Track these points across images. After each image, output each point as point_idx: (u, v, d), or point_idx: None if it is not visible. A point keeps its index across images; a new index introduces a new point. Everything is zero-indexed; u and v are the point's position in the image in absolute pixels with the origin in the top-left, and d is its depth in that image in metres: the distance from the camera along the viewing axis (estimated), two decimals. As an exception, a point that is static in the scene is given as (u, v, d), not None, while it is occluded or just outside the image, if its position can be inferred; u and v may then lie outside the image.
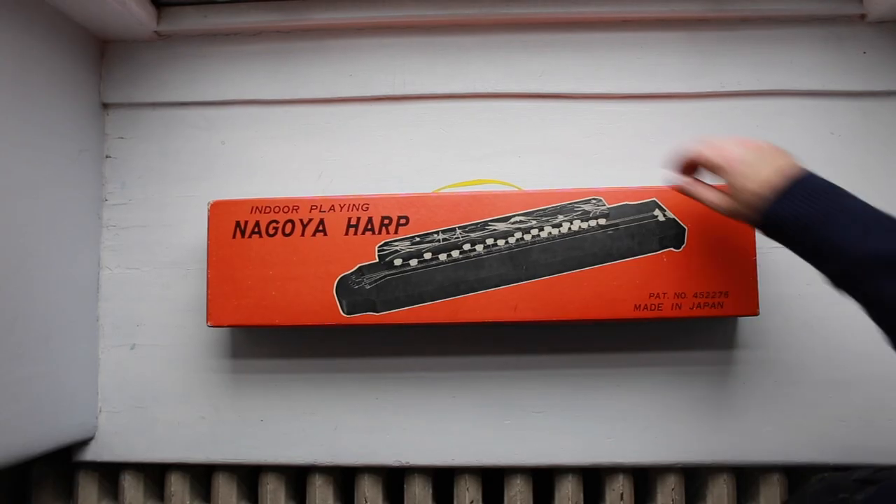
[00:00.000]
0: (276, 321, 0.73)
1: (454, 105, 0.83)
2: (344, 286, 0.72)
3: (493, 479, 0.83)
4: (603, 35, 0.82)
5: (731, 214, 0.61)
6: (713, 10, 0.81)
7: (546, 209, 0.72)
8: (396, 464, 0.80)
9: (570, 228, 0.72)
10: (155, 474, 0.85)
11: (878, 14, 0.78)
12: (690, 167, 0.67)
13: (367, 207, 0.73)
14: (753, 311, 0.71)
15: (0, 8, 0.67)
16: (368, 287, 0.72)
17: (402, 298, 0.72)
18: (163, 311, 0.82)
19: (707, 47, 0.81)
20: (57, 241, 0.75)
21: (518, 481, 0.80)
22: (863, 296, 0.52)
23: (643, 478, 0.82)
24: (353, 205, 0.73)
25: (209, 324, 0.73)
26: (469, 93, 0.82)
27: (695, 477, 0.81)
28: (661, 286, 0.71)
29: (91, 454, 0.82)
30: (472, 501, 0.80)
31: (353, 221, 0.73)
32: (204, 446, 0.81)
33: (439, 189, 0.82)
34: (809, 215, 0.55)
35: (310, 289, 0.73)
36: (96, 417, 0.82)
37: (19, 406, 0.69)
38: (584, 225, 0.72)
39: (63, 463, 0.83)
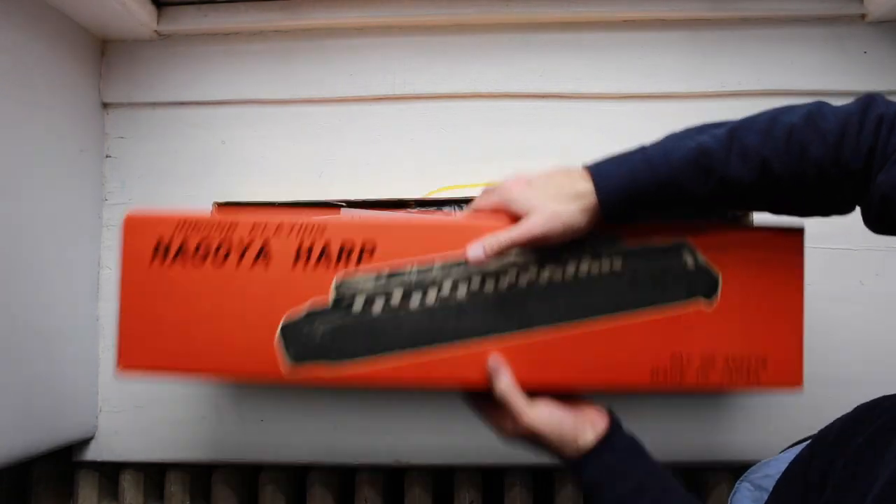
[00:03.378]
0: (202, 369, 0.57)
1: (454, 105, 0.83)
2: (290, 332, 0.56)
3: (493, 479, 0.83)
4: (603, 35, 0.82)
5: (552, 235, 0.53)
6: (713, 10, 0.80)
7: None
8: (396, 464, 0.80)
9: (577, 271, 0.57)
10: (155, 474, 0.85)
11: (878, 14, 0.78)
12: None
13: (324, 230, 0.56)
14: (796, 383, 0.59)
15: (0, 8, 0.67)
16: (321, 335, 0.56)
17: (363, 349, 0.56)
18: (163, 310, 0.82)
19: (707, 47, 0.81)
20: (57, 241, 0.75)
21: (518, 482, 0.80)
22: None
23: (643, 478, 0.82)
24: (306, 227, 0.56)
25: (119, 368, 0.56)
26: (469, 93, 0.82)
27: (695, 477, 0.81)
28: (687, 346, 0.57)
29: (91, 454, 0.82)
30: (471, 502, 0.80)
31: (305, 249, 0.56)
32: (204, 446, 0.81)
33: (439, 190, 0.82)
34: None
35: (245, 333, 0.56)
36: (96, 417, 0.82)
37: (19, 406, 0.69)
38: (596, 267, 0.57)
39: (63, 463, 0.83)
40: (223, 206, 0.76)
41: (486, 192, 0.59)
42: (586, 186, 0.53)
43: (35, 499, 0.82)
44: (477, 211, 0.59)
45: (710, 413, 0.78)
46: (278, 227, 0.57)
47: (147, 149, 0.84)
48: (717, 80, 0.81)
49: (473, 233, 0.56)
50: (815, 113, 0.49)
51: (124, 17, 0.78)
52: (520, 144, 0.82)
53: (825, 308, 0.78)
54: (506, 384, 0.54)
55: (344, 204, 0.75)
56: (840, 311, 0.79)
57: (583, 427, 0.55)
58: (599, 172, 0.54)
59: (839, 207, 0.52)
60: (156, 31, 0.83)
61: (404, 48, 0.83)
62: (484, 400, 0.57)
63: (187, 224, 0.57)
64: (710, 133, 0.52)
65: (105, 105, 0.85)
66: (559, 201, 0.53)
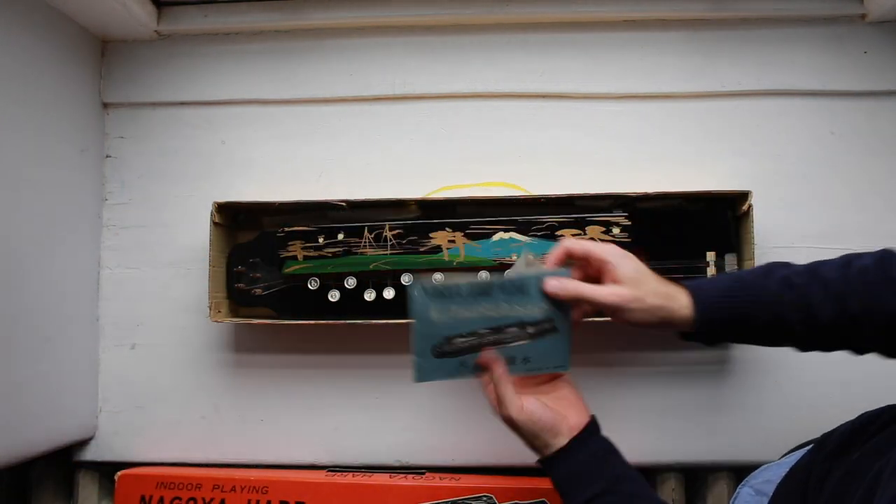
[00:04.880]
0: None
1: (454, 105, 0.83)
2: None
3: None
4: (603, 35, 0.82)
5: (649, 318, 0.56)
6: (713, 10, 0.80)
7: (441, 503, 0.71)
8: (396, 464, 0.80)
9: None
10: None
11: (878, 14, 0.78)
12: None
13: (266, 490, 0.72)
14: None
15: (0, 8, 0.67)
16: None
17: None
18: (163, 311, 0.82)
19: (707, 47, 0.81)
20: (57, 240, 0.75)
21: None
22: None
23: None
24: (253, 486, 0.72)
25: None
26: (469, 93, 0.82)
27: (695, 477, 0.81)
28: None
29: (91, 454, 0.82)
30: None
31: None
32: (204, 446, 0.81)
33: (438, 190, 0.82)
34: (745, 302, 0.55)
35: None
36: (96, 417, 0.82)
37: (19, 406, 0.69)
38: None
39: (63, 463, 0.83)
40: (224, 205, 0.76)
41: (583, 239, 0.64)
42: (681, 296, 0.56)
43: (35, 499, 0.82)
44: (569, 249, 0.60)
45: (711, 414, 0.78)
46: (233, 486, 0.73)
47: (147, 149, 0.84)
48: (717, 80, 0.81)
49: (400, 493, 0.71)
50: (886, 259, 0.52)
51: (124, 17, 0.78)
52: (520, 144, 0.82)
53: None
54: (499, 374, 0.59)
55: (344, 204, 0.75)
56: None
57: (559, 427, 0.57)
58: (696, 286, 0.57)
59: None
60: (156, 31, 0.83)
61: (404, 48, 0.83)
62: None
63: (164, 482, 0.74)
64: (791, 267, 0.55)
65: (105, 105, 0.85)
66: (656, 294, 0.56)
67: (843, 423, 0.57)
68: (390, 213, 0.77)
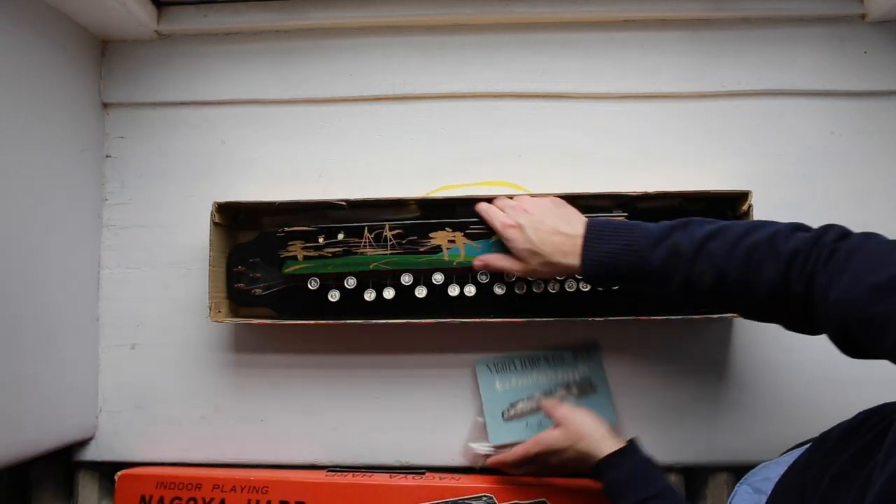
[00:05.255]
0: None
1: (454, 105, 0.83)
2: None
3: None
4: (603, 35, 0.82)
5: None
6: (713, 10, 0.80)
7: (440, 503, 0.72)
8: (396, 464, 0.80)
9: None
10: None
11: (878, 14, 0.78)
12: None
13: (266, 490, 0.73)
14: None
15: (0, 8, 0.67)
16: None
17: None
18: (163, 311, 0.82)
19: (707, 47, 0.81)
20: (57, 240, 0.75)
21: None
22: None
23: (643, 478, 0.82)
24: (253, 486, 0.73)
25: None
26: (469, 93, 0.82)
27: (695, 477, 0.81)
28: None
29: (91, 454, 0.82)
30: None
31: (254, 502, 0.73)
32: (204, 446, 0.81)
33: (438, 189, 0.82)
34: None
35: None
36: (96, 417, 0.82)
37: (19, 406, 0.69)
38: None
39: (63, 463, 0.83)
40: (224, 205, 0.76)
41: (497, 201, 0.73)
42: (573, 262, 0.63)
43: (35, 499, 0.82)
44: (489, 220, 0.72)
45: (711, 414, 0.78)
46: (233, 486, 0.73)
47: (147, 149, 0.84)
48: (717, 80, 0.81)
49: (400, 493, 0.72)
50: (780, 235, 0.54)
51: (124, 17, 0.78)
52: (520, 144, 0.82)
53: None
54: (547, 401, 0.74)
55: (344, 204, 0.75)
56: (840, 311, 0.79)
57: (611, 434, 0.67)
58: (588, 244, 0.63)
59: (796, 326, 0.56)
60: (156, 31, 0.83)
61: (404, 48, 0.83)
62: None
63: (164, 482, 0.75)
64: (691, 234, 0.58)
65: (105, 105, 0.85)
66: (543, 265, 0.65)
67: (841, 421, 0.57)
68: (390, 213, 0.77)
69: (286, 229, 0.76)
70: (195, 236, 0.82)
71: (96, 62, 0.84)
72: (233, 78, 0.84)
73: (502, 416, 0.77)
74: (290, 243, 0.76)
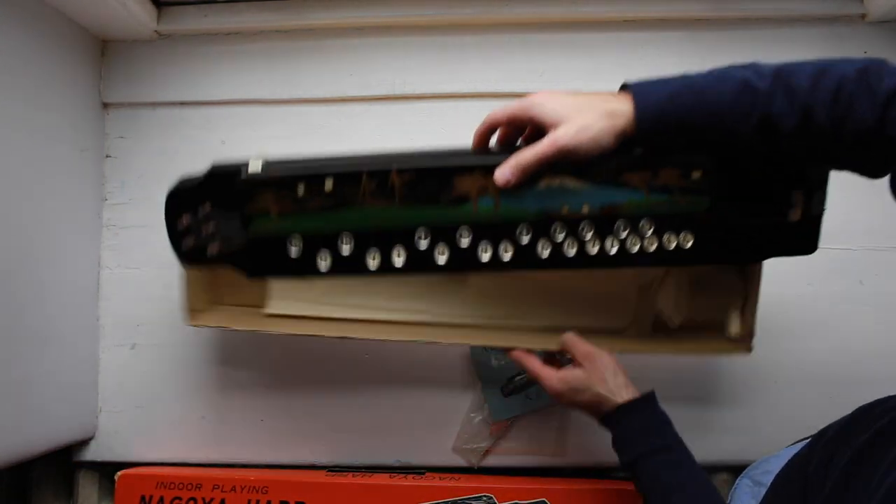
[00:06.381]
0: None
1: (454, 105, 0.83)
2: None
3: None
4: (603, 35, 0.82)
5: None
6: (713, 10, 0.80)
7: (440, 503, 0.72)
8: (396, 464, 0.80)
9: None
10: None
11: (878, 14, 0.78)
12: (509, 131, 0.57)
13: (266, 490, 0.73)
14: None
15: (0, 8, 0.67)
16: None
17: None
18: (163, 311, 0.82)
19: (707, 47, 0.81)
20: (57, 241, 0.75)
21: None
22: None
23: (643, 478, 0.82)
24: (253, 486, 0.73)
25: None
26: (469, 93, 0.82)
27: (695, 477, 0.81)
28: None
29: (91, 454, 0.82)
30: None
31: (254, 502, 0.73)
32: (204, 446, 0.81)
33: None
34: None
35: None
36: (96, 417, 0.82)
37: (19, 406, 0.69)
38: None
39: (63, 463, 0.83)
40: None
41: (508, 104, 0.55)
42: (623, 106, 0.51)
43: (35, 499, 0.82)
44: (494, 121, 0.56)
45: (711, 413, 0.78)
46: (233, 486, 0.73)
47: (147, 149, 0.84)
48: (717, 80, 0.81)
49: (400, 493, 0.71)
50: (871, 70, 0.47)
51: (124, 17, 0.78)
52: (519, 144, 0.82)
53: (825, 308, 0.78)
54: (530, 365, 0.64)
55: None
56: (840, 311, 0.79)
57: (597, 378, 0.62)
58: (640, 91, 0.51)
59: (874, 169, 0.51)
60: (156, 31, 0.83)
61: (404, 48, 0.83)
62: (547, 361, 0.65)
63: (164, 483, 0.74)
64: (759, 70, 0.50)
65: (105, 105, 0.84)
66: (592, 115, 0.50)
67: (840, 417, 0.57)
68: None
69: (251, 175, 0.55)
70: (195, 236, 0.82)
71: (96, 62, 0.84)
72: (233, 78, 0.84)
73: (502, 392, 0.77)
74: (257, 194, 0.55)
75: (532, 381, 0.72)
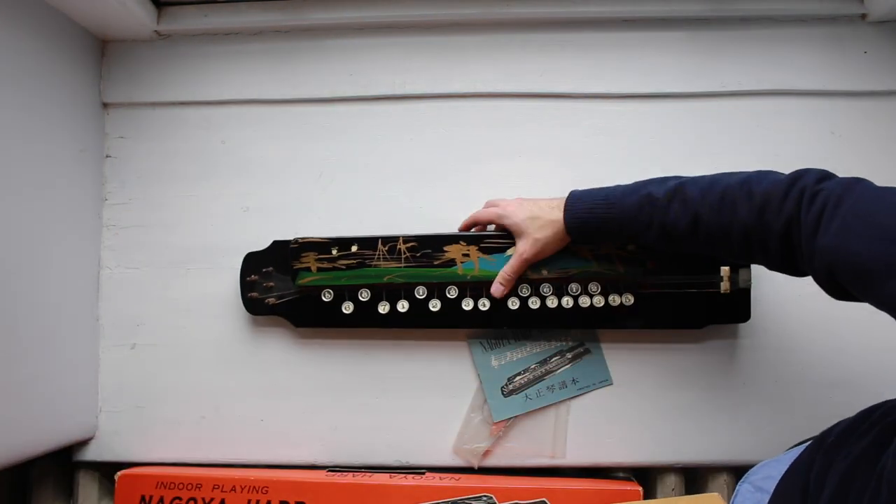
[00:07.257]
0: None
1: (454, 105, 0.83)
2: None
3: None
4: (603, 35, 0.82)
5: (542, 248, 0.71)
6: (713, 10, 0.80)
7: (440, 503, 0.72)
8: (396, 464, 0.80)
9: None
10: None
11: (879, 14, 0.78)
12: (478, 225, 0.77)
13: (266, 490, 0.73)
14: None
15: (0, 8, 0.67)
16: None
17: None
18: (163, 311, 0.82)
19: (707, 47, 0.81)
20: (57, 241, 0.75)
21: (518, 481, 0.80)
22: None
23: (643, 477, 0.82)
24: (253, 486, 0.74)
25: None
26: (469, 93, 0.82)
27: (695, 477, 0.81)
28: None
29: (91, 454, 0.82)
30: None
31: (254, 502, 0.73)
32: (204, 446, 0.81)
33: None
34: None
35: None
36: (96, 417, 0.82)
37: (19, 406, 0.69)
38: None
39: (63, 463, 0.83)
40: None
41: (487, 204, 0.76)
42: (559, 216, 0.68)
43: (35, 499, 0.82)
44: (476, 220, 0.76)
45: (711, 414, 0.78)
46: (233, 486, 0.74)
47: (147, 149, 0.84)
48: (717, 80, 0.81)
49: (400, 493, 0.72)
50: (752, 179, 0.56)
51: (124, 17, 0.78)
52: (520, 144, 0.82)
53: (825, 308, 0.78)
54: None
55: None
56: (840, 312, 0.79)
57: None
58: (569, 205, 0.68)
59: (779, 266, 0.57)
60: (156, 31, 0.83)
61: (404, 48, 0.83)
62: None
63: (164, 482, 0.75)
64: (666, 184, 0.62)
65: (105, 105, 0.85)
66: (543, 229, 0.70)
67: (842, 419, 0.57)
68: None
69: (300, 240, 0.77)
70: (195, 236, 0.82)
71: (96, 62, 0.84)
72: (233, 78, 0.84)
73: (502, 392, 0.78)
74: (303, 254, 0.76)
75: (532, 382, 0.76)
